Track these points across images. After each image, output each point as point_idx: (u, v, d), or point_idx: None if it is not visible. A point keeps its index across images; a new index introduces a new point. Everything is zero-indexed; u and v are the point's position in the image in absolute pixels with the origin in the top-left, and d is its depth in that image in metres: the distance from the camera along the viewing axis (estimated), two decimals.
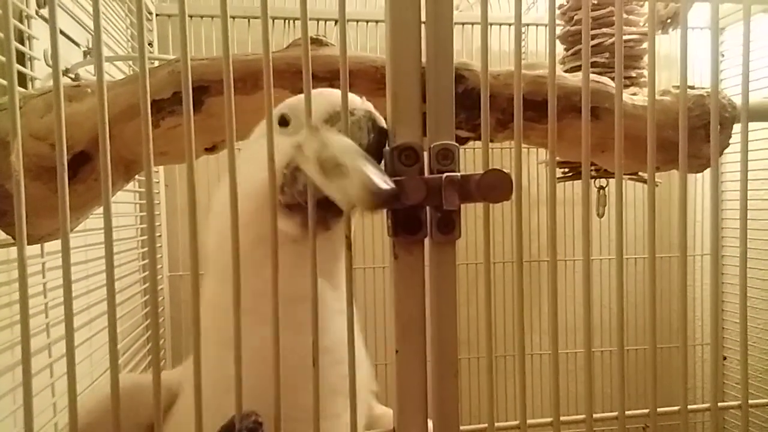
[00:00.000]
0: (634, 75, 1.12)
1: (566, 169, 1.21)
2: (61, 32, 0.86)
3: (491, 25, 1.38)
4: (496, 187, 0.37)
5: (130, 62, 1.20)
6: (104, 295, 0.94)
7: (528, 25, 1.47)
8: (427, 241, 0.41)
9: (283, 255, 0.42)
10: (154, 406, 0.40)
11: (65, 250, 0.37)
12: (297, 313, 0.44)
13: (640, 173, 1.10)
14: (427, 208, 0.40)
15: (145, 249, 1.27)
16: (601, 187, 1.28)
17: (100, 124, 0.37)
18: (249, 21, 1.30)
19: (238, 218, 0.47)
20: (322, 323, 0.52)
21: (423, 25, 0.41)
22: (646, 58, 1.14)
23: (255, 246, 0.44)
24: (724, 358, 1.54)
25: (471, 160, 1.35)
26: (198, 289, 0.40)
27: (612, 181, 1.28)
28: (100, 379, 0.92)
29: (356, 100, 0.47)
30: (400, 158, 0.38)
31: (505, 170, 0.38)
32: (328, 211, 0.46)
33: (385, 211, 0.39)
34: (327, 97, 0.51)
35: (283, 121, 0.52)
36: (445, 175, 0.39)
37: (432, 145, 0.40)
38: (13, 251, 0.70)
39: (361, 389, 0.61)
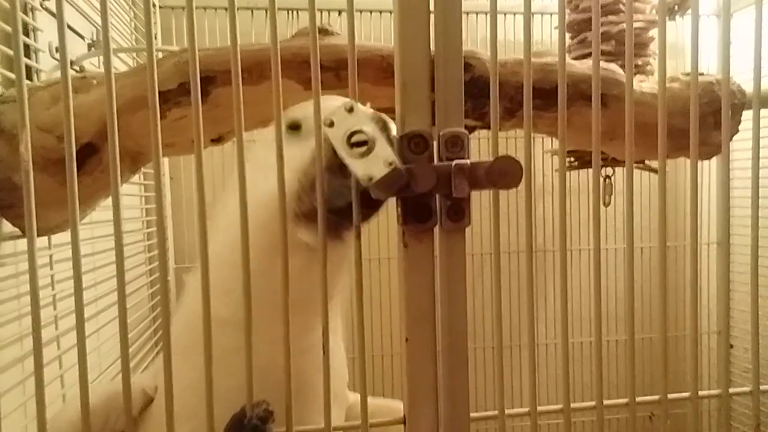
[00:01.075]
0: (640, 63, 1.11)
1: (572, 159, 1.21)
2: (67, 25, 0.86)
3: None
4: (506, 173, 0.37)
5: (134, 54, 1.20)
6: (111, 288, 0.95)
7: (533, 13, 1.46)
8: (436, 229, 0.41)
9: (297, 263, 0.42)
10: (166, 405, 0.40)
11: (74, 243, 0.37)
12: (298, 321, 0.44)
13: (647, 161, 1.10)
14: (437, 196, 0.40)
15: (151, 241, 1.27)
16: (607, 176, 1.28)
17: (109, 116, 0.37)
18: (252, 12, 1.29)
19: (250, 228, 0.47)
20: (315, 345, 0.52)
21: (431, 14, 0.41)
22: (652, 46, 1.13)
23: (267, 255, 0.44)
24: (731, 347, 1.54)
25: (477, 149, 1.35)
26: (208, 279, 0.40)
27: (618, 169, 1.27)
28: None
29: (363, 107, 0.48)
30: (410, 146, 0.38)
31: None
32: (344, 219, 0.46)
33: (394, 199, 0.39)
34: (336, 101, 0.52)
35: (295, 126, 0.53)
36: (455, 162, 0.39)
37: (441, 133, 0.40)
38: (20, 244, 0.70)
39: (342, 388, 0.63)
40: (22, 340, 0.69)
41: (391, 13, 1.37)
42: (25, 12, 0.73)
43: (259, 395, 0.41)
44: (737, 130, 0.67)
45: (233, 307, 0.48)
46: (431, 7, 0.41)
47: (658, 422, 1.53)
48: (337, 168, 0.43)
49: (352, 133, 0.35)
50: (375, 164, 0.35)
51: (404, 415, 0.41)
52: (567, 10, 1.16)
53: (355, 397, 0.68)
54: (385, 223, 1.44)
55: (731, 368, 1.53)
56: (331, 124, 0.36)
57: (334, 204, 0.47)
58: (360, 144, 0.35)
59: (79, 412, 0.41)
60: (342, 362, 0.63)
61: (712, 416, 1.58)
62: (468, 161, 0.39)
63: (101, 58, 0.98)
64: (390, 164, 0.35)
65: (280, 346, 0.44)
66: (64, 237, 0.71)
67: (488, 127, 0.66)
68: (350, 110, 0.36)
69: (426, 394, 0.40)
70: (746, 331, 1.43)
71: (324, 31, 0.62)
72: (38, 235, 0.63)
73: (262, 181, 0.47)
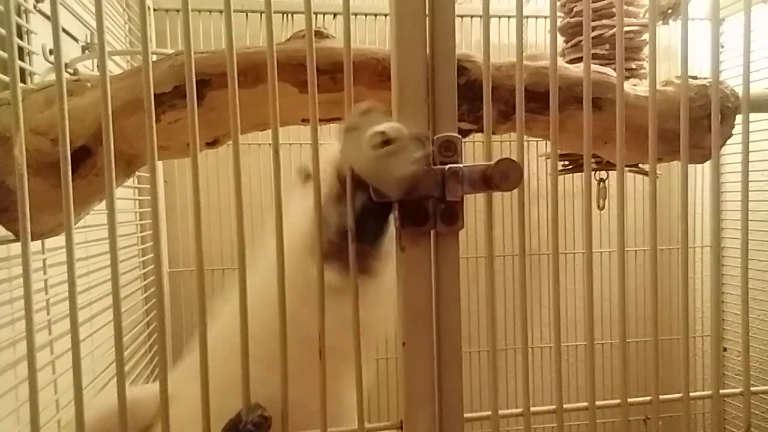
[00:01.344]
0: (633, 66, 1.11)
1: (566, 162, 1.21)
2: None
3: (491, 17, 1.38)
4: (508, 175, 0.37)
5: (128, 57, 1.20)
6: (105, 292, 0.95)
7: (527, 17, 1.46)
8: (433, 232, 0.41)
9: (328, 307, 0.42)
10: (161, 407, 0.40)
11: (69, 247, 0.37)
12: (327, 366, 0.44)
13: (640, 165, 1.10)
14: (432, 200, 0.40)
15: (145, 245, 1.27)
16: (602, 180, 1.28)
17: (104, 119, 0.37)
18: (247, 15, 1.29)
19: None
20: (342, 387, 0.51)
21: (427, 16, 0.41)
22: (645, 50, 1.14)
23: (298, 300, 0.43)
24: (724, 350, 1.55)
25: (472, 152, 1.35)
26: (203, 284, 0.40)
27: (613, 173, 1.28)
28: (99, 393, 0.92)
29: None
30: None
31: None
32: (368, 254, 0.46)
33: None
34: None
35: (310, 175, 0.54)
36: (449, 166, 0.39)
37: (435, 138, 0.40)
38: (14, 248, 0.70)
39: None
40: (15, 345, 0.69)
41: (385, 16, 1.38)
42: (18, 14, 0.73)
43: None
44: (731, 134, 0.67)
45: (263, 346, 0.47)
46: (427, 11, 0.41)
47: (653, 426, 1.53)
48: (344, 191, 0.43)
49: (376, 134, 0.35)
50: (405, 162, 0.35)
51: (401, 420, 0.41)
52: (560, 14, 1.17)
53: None
54: None
55: (725, 371, 1.54)
56: (354, 128, 0.36)
57: (345, 225, 0.47)
58: (386, 143, 0.35)
59: (104, 412, 0.42)
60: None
61: (707, 418, 1.59)
62: (462, 165, 0.39)
63: (95, 61, 0.98)
64: (417, 161, 0.35)
65: (300, 387, 0.44)
66: (57, 241, 0.70)
67: (483, 131, 0.66)
68: (366, 113, 0.36)
69: (423, 398, 0.40)
70: (738, 333, 1.43)
71: (319, 34, 0.62)
72: (32, 239, 0.63)
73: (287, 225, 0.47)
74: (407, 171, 0.34)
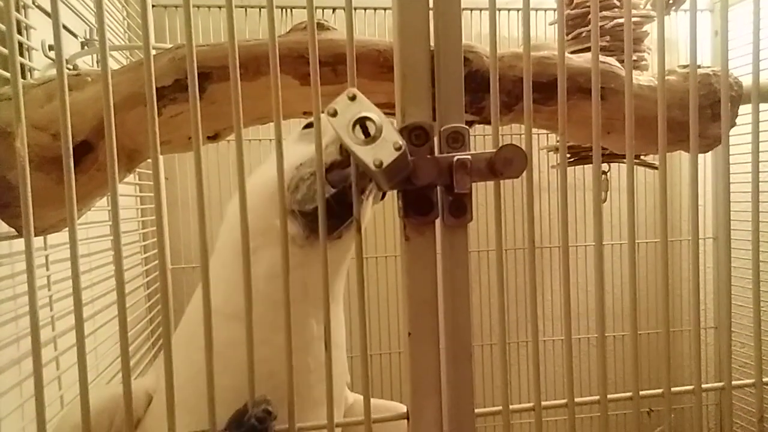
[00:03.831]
0: (635, 58, 1.11)
1: (568, 154, 1.21)
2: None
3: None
4: (511, 161, 0.36)
5: (127, 53, 1.19)
6: (107, 288, 0.94)
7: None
8: (438, 225, 0.40)
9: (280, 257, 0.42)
10: (168, 407, 0.40)
11: (73, 242, 0.37)
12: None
13: (642, 157, 1.10)
14: (438, 192, 0.39)
15: (147, 242, 1.26)
16: (603, 172, 1.28)
17: (106, 115, 0.36)
18: (246, 11, 1.29)
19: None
20: (307, 346, 0.52)
21: (431, 9, 0.41)
22: (646, 41, 1.13)
23: (252, 240, 0.43)
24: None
25: (472, 146, 1.34)
26: (208, 279, 0.40)
27: (613, 165, 1.28)
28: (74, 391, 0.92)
29: None
30: (410, 138, 0.38)
31: None
32: (335, 218, 0.46)
33: (395, 192, 0.39)
34: None
35: (310, 125, 0.54)
36: (456, 157, 0.38)
37: (442, 129, 0.40)
38: (16, 244, 0.70)
39: (341, 390, 0.62)
40: (18, 342, 0.69)
41: (385, 10, 1.37)
42: (18, 10, 0.73)
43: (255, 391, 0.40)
44: (734, 123, 0.67)
45: (225, 298, 0.48)
46: (430, 3, 0.40)
47: (656, 418, 1.53)
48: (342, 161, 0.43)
49: (357, 120, 0.35)
50: (383, 149, 0.34)
51: (407, 411, 0.41)
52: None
53: (354, 398, 0.68)
54: (382, 220, 1.44)
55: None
56: (335, 113, 0.35)
57: (305, 207, 0.48)
58: (366, 130, 0.34)
59: (96, 405, 0.42)
60: (342, 365, 0.62)
61: (710, 410, 1.59)
62: (469, 156, 0.38)
63: (94, 56, 0.97)
64: (398, 148, 0.34)
65: (269, 343, 0.44)
66: (59, 238, 0.70)
67: (485, 122, 0.65)
68: (353, 98, 0.36)
69: (429, 387, 0.40)
70: (741, 325, 1.43)
71: (320, 26, 0.61)
72: (34, 235, 0.62)
73: (263, 171, 0.48)
74: (388, 158, 0.33)
